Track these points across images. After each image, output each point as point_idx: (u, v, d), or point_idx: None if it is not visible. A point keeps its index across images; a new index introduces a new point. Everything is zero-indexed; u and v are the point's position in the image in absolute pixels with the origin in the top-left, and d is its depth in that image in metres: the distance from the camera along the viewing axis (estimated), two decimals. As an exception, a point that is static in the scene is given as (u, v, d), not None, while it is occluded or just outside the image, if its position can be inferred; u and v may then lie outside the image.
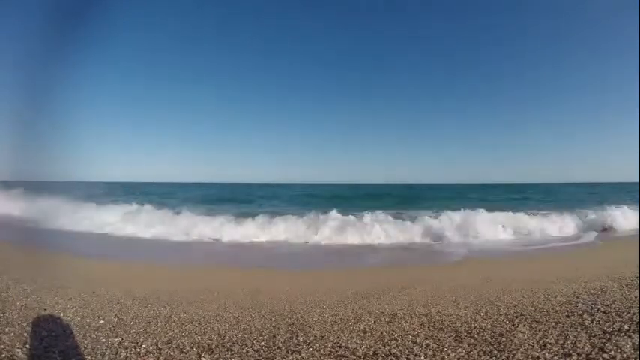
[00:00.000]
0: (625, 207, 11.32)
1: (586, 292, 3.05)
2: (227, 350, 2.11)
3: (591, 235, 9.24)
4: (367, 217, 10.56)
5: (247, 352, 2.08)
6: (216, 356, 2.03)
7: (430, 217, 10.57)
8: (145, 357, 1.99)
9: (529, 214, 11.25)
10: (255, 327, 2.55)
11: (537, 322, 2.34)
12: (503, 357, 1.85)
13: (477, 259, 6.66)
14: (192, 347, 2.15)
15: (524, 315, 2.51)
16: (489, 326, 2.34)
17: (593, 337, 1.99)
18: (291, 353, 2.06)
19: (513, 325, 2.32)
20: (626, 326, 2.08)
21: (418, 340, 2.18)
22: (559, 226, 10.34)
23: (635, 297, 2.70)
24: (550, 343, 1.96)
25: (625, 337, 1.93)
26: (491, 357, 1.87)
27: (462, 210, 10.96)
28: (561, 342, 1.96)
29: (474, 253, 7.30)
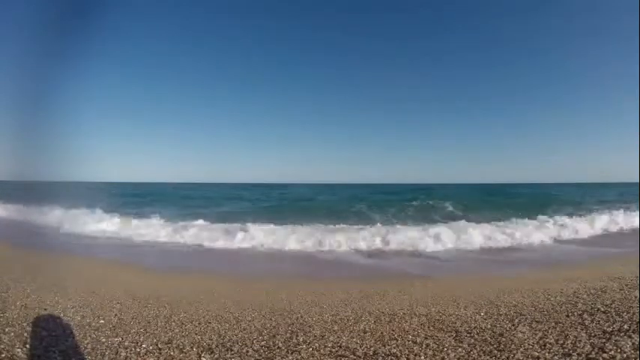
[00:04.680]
0: None
1: (586, 292, 3.05)
2: (227, 350, 2.11)
3: None
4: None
5: (247, 352, 2.08)
6: (216, 356, 2.03)
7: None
8: (145, 357, 1.99)
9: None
10: (255, 327, 2.55)
11: (537, 322, 2.34)
12: (503, 357, 1.85)
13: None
14: (192, 347, 2.15)
15: (524, 315, 2.51)
16: (489, 326, 2.34)
17: (593, 337, 1.99)
18: (291, 353, 2.06)
19: (513, 325, 2.32)
20: (626, 326, 2.08)
21: (418, 340, 2.18)
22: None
23: (635, 297, 2.70)
24: (550, 343, 1.96)
25: (625, 337, 1.93)
26: (491, 357, 1.87)
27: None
28: (561, 342, 1.96)
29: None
